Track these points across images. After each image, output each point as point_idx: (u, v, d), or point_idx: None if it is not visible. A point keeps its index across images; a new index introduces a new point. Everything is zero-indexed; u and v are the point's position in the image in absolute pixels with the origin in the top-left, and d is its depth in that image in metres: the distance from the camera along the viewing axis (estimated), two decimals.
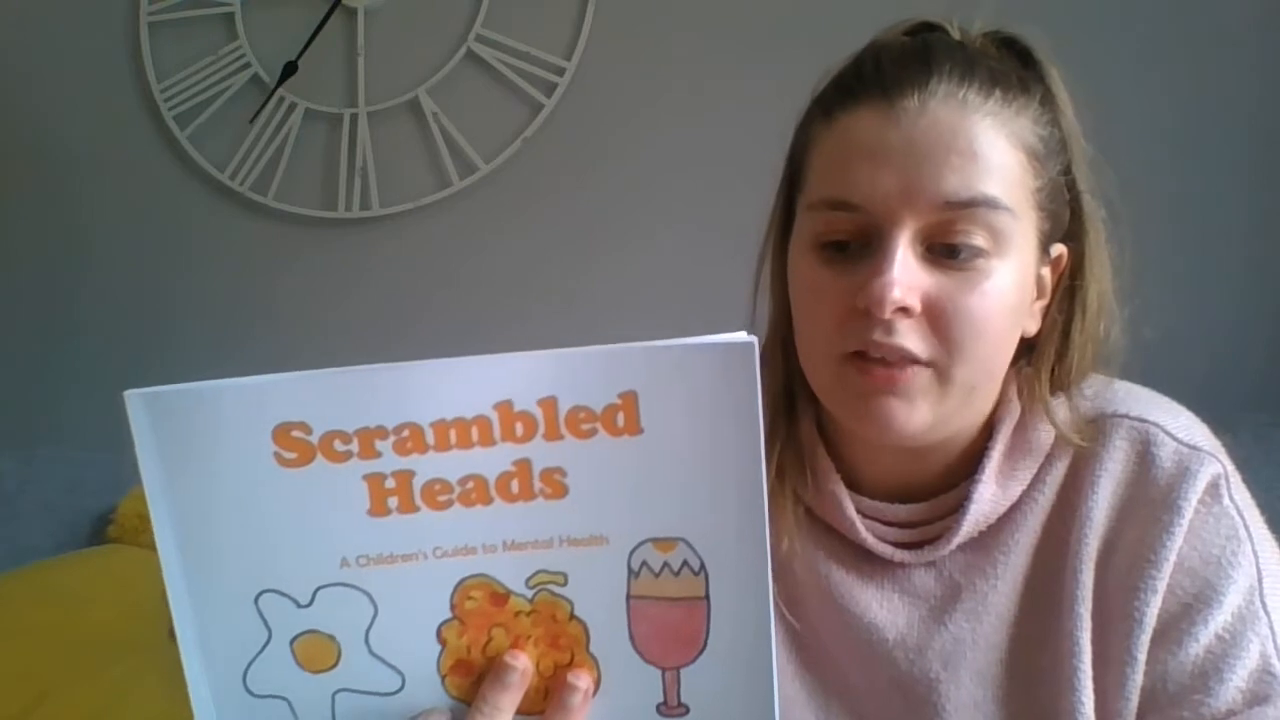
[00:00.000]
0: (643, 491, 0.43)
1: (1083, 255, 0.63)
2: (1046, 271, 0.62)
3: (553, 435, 0.42)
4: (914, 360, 0.57)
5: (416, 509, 0.43)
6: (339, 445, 0.42)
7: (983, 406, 0.63)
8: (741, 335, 0.41)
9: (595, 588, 0.44)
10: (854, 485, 0.67)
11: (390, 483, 0.42)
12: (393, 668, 0.45)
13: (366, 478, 0.42)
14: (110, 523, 1.29)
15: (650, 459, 0.42)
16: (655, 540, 0.44)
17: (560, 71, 1.55)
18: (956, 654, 0.64)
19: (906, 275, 0.56)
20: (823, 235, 0.59)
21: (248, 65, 1.62)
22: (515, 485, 0.43)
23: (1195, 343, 1.32)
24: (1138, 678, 0.61)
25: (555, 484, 0.43)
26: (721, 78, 1.52)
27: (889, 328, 0.56)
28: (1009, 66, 0.61)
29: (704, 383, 0.41)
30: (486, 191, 1.59)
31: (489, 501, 0.43)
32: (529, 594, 0.44)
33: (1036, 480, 0.65)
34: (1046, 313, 0.63)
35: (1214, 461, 0.63)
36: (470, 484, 0.43)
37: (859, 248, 0.58)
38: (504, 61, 1.56)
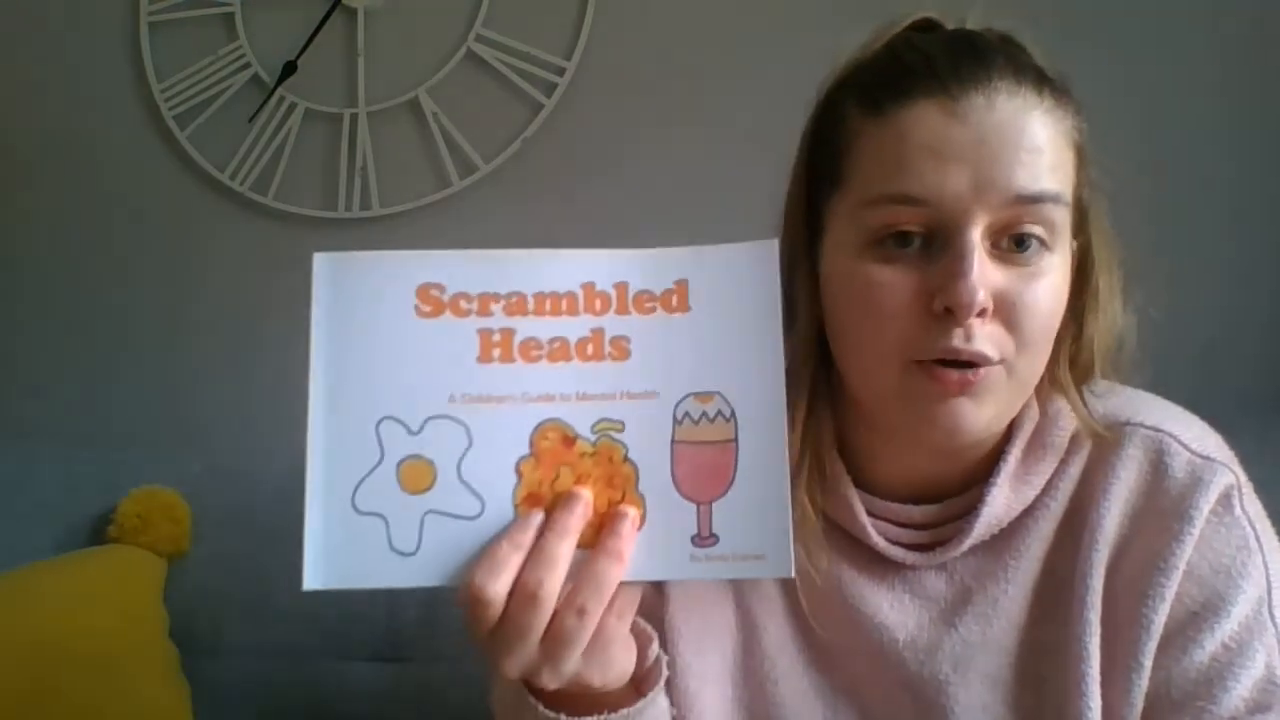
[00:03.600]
0: (688, 356, 0.54)
1: (1090, 248, 0.63)
2: None
3: (622, 310, 0.55)
4: (988, 361, 0.57)
5: (513, 360, 0.54)
6: (463, 304, 0.54)
7: (1022, 404, 0.63)
8: (765, 241, 0.55)
9: (646, 434, 0.54)
10: (865, 487, 0.66)
11: (496, 337, 0.54)
12: (476, 494, 0.53)
13: (479, 331, 0.54)
14: (110, 523, 1.29)
15: (695, 330, 0.54)
16: (696, 394, 0.54)
17: (560, 71, 1.55)
18: (966, 656, 0.64)
19: (984, 273, 0.56)
20: (884, 229, 0.58)
21: (248, 65, 1.62)
22: (590, 348, 0.54)
23: (1195, 343, 1.32)
24: (1144, 684, 0.61)
25: (621, 349, 0.54)
26: (722, 78, 1.52)
27: (969, 332, 0.56)
28: (1039, 63, 0.61)
29: (737, 273, 0.54)
30: (486, 191, 1.59)
31: (569, 359, 0.54)
32: (593, 438, 0.54)
33: (1049, 485, 0.65)
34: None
35: (1226, 472, 0.63)
36: (556, 344, 0.54)
37: (923, 244, 0.58)
38: (504, 61, 1.56)
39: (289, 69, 1.59)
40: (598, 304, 0.55)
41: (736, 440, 0.54)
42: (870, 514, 0.66)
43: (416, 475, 0.53)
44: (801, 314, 0.65)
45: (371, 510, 0.53)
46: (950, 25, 0.64)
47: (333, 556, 0.54)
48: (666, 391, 0.54)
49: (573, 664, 0.52)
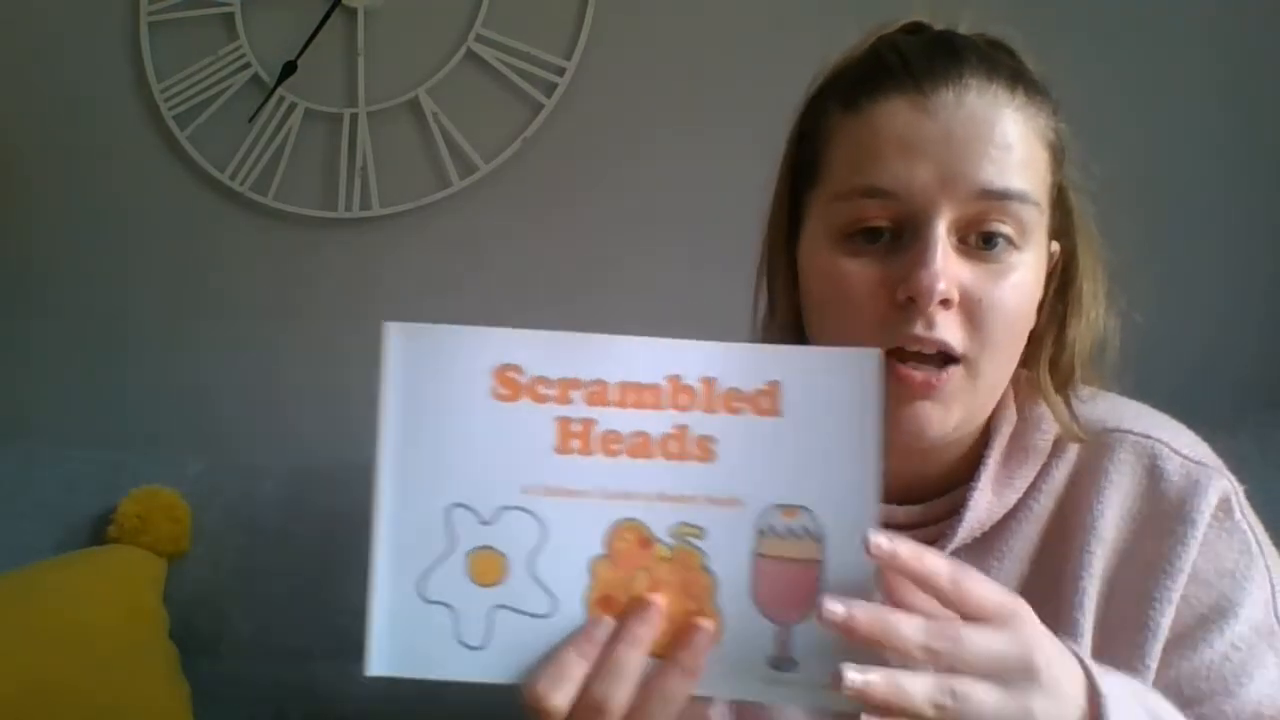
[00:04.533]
0: (777, 464, 0.51)
1: (1074, 251, 0.64)
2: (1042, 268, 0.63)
3: (709, 408, 0.52)
4: (950, 358, 0.57)
5: (592, 452, 0.52)
6: (542, 389, 0.52)
7: (993, 404, 0.63)
8: (869, 349, 0.52)
9: (727, 543, 0.51)
10: None
11: (576, 426, 0.52)
12: (548, 591, 0.52)
13: (557, 419, 0.52)
14: (110, 523, 1.29)
15: (786, 438, 0.51)
16: (782, 506, 0.51)
17: (560, 71, 1.55)
18: None
19: (948, 265, 0.56)
20: (853, 224, 0.59)
21: (248, 65, 1.62)
22: (673, 445, 0.52)
23: (1194, 343, 1.32)
24: (1148, 685, 0.61)
25: (706, 449, 0.52)
26: (722, 77, 1.52)
27: (930, 320, 0.56)
28: (1021, 65, 0.62)
29: (836, 381, 0.51)
30: (486, 191, 1.59)
31: (650, 456, 0.52)
32: (671, 542, 0.51)
33: (1033, 488, 0.65)
34: (1041, 308, 0.63)
35: (1222, 478, 0.64)
36: (638, 438, 0.52)
37: (892, 238, 0.58)
38: (504, 61, 1.56)
39: (289, 69, 1.59)
40: (683, 399, 0.52)
41: (823, 562, 0.51)
42: None
43: (487, 567, 0.52)
44: (780, 306, 0.67)
45: (439, 599, 0.52)
46: (939, 28, 0.65)
47: (397, 643, 0.53)
48: (751, 500, 0.51)
49: None
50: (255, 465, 1.39)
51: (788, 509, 0.51)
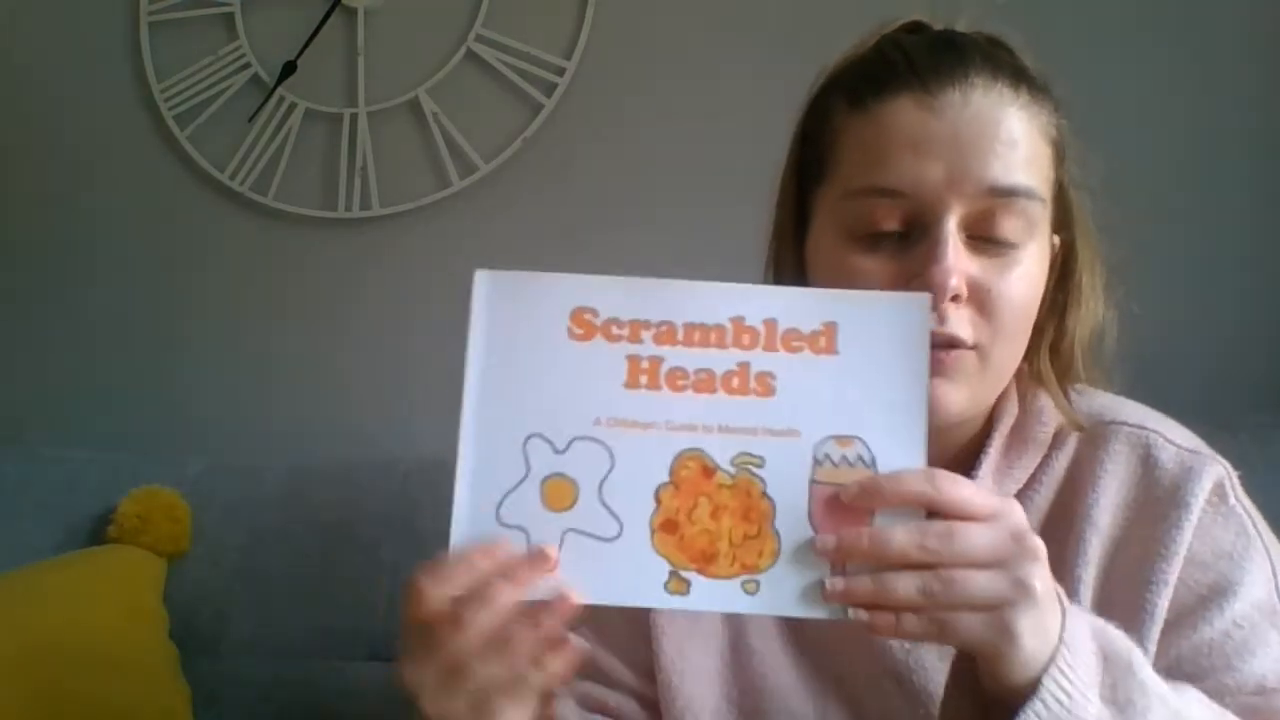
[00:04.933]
0: (832, 398, 0.54)
1: (1073, 244, 0.66)
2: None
3: (770, 347, 0.55)
4: (961, 344, 0.59)
5: (660, 388, 0.55)
6: (615, 329, 0.56)
7: (999, 391, 0.65)
8: (919, 293, 0.55)
9: (785, 471, 0.54)
10: None
11: (645, 364, 0.55)
12: (615, 516, 0.54)
13: (628, 357, 0.56)
14: (110, 523, 1.29)
15: (841, 374, 0.54)
16: (837, 437, 0.54)
17: (560, 71, 1.55)
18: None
19: (958, 261, 0.58)
20: (863, 224, 0.61)
21: (248, 65, 1.62)
22: (736, 381, 0.55)
23: (1194, 344, 1.32)
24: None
25: (766, 385, 0.55)
26: (722, 77, 1.52)
27: (943, 315, 0.58)
28: (1022, 63, 0.63)
29: (887, 321, 0.54)
30: (486, 191, 1.59)
31: (714, 391, 0.55)
32: (732, 470, 0.54)
33: (1034, 479, 0.67)
34: (1042, 300, 0.65)
35: (1216, 464, 0.65)
36: (703, 375, 0.55)
37: (902, 235, 0.60)
38: (504, 61, 1.56)
39: (289, 69, 1.59)
40: (745, 339, 0.55)
41: None
42: None
43: (559, 493, 0.55)
44: None
45: (515, 524, 0.55)
46: (939, 27, 0.66)
47: None
48: (808, 431, 0.54)
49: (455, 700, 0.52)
50: (255, 465, 1.39)
51: (842, 439, 0.54)
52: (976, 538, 0.49)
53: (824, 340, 0.55)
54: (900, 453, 0.53)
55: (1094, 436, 0.66)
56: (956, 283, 0.58)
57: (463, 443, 0.56)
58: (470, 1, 1.57)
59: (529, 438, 0.55)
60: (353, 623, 1.26)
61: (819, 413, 0.54)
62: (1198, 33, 1.38)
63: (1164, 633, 0.62)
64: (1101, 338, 0.67)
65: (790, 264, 0.68)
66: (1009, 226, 0.59)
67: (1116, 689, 0.52)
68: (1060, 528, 0.65)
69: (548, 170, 1.57)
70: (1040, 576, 0.50)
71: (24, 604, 1.17)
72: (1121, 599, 0.63)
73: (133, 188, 1.67)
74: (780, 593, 0.53)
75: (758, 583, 0.53)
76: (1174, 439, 0.66)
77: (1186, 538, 0.63)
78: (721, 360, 0.55)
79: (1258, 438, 1.07)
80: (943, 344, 0.59)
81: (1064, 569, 0.64)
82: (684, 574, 0.54)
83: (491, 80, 1.57)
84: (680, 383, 0.55)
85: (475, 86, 1.58)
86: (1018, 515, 0.51)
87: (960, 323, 0.59)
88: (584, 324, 0.56)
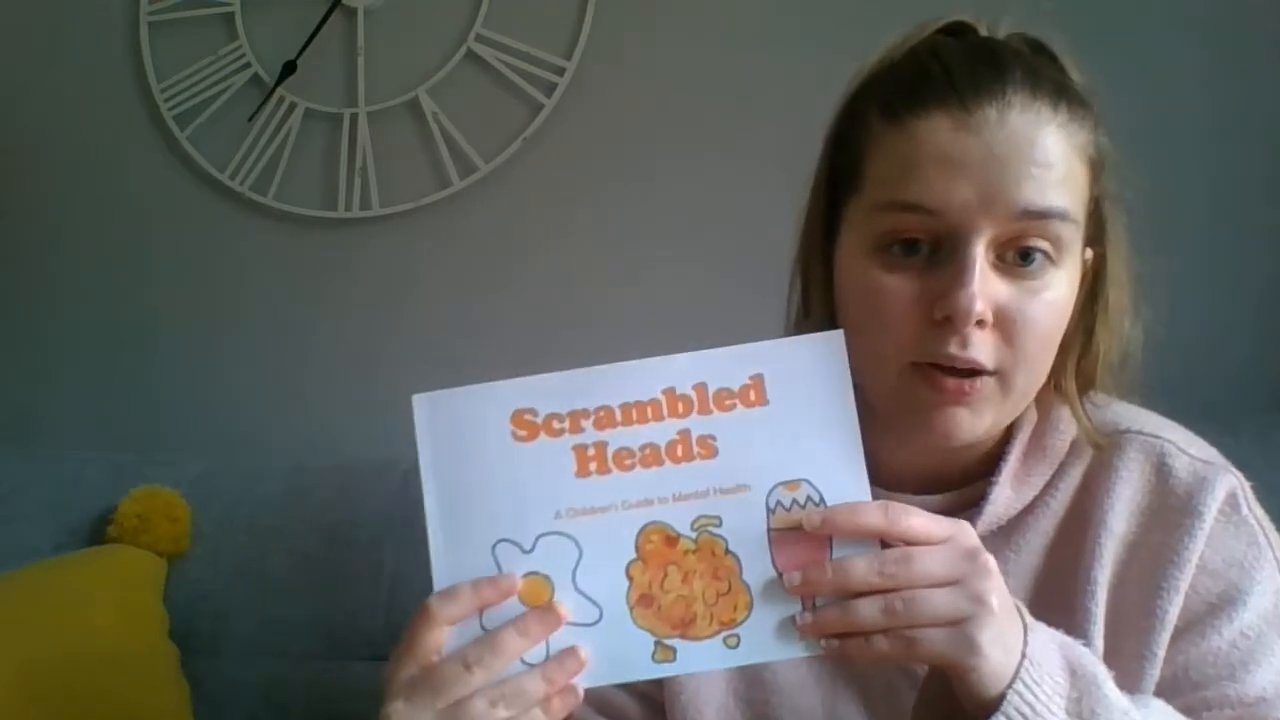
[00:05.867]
0: (772, 447, 0.57)
1: (1104, 259, 0.64)
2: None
3: (704, 411, 0.57)
4: (983, 371, 0.58)
5: (610, 471, 0.57)
6: (556, 424, 0.57)
7: (1020, 412, 0.64)
8: (833, 331, 0.57)
9: (743, 526, 0.56)
10: (870, 477, 0.67)
11: (591, 451, 0.57)
12: (593, 601, 0.56)
13: (574, 448, 0.57)
14: (110, 523, 1.29)
15: (776, 422, 0.57)
16: (784, 483, 0.57)
17: (560, 71, 1.55)
18: None
19: (985, 285, 0.57)
20: (891, 236, 0.60)
21: (247, 65, 1.62)
22: (680, 450, 0.57)
23: (1194, 344, 1.32)
24: (1154, 674, 0.63)
25: (708, 447, 0.57)
26: (722, 77, 1.52)
27: (965, 340, 0.57)
28: (1065, 76, 0.62)
29: (807, 364, 0.57)
30: (486, 191, 1.59)
31: (661, 464, 0.57)
32: (694, 535, 0.56)
33: (1050, 486, 0.67)
34: (1071, 314, 0.64)
35: (1229, 474, 0.65)
36: (647, 450, 0.57)
37: (929, 253, 0.59)
38: (504, 61, 1.56)
39: (289, 69, 1.59)
40: (680, 407, 0.57)
41: None
42: None
43: (535, 591, 0.56)
44: (815, 309, 0.68)
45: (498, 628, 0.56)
46: (983, 28, 0.64)
47: None
48: (756, 483, 0.57)
49: None
50: (255, 465, 1.39)
51: (789, 484, 0.57)
52: (931, 560, 0.52)
53: (753, 393, 0.57)
54: (845, 484, 0.56)
55: (1110, 444, 0.66)
56: (981, 307, 0.57)
57: (434, 560, 0.57)
58: (470, 1, 1.57)
59: (496, 544, 0.57)
60: (353, 623, 1.25)
61: (763, 463, 0.57)
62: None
63: (1172, 640, 0.63)
64: (1125, 358, 0.66)
65: (819, 277, 0.67)
66: (1039, 249, 0.58)
67: (1082, 703, 0.53)
68: (1076, 533, 0.66)
69: (548, 170, 1.57)
70: (996, 591, 0.52)
71: (24, 604, 1.17)
72: (1132, 605, 0.63)
73: (133, 188, 1.67)
74: (760, 640, 0.55)
75: (738, 636, 0.56)
76: (1188, 449, 0.66)
77: (1199, 546, 0.63)
78: (662, 432, 0.57)
79: (1258, 438, 1.07)
80: (965, 370, 0.58)
81: (1080, 574, 0.64)
82: (668, 642, 0.56)
83: (491, 80, 1.57)
84: (628, 462, 0.57)
85: (475, 86, 1.58)
86: (969, 536, 0.54)
87: (983, 347, 0.58)
88: (525, 425, 0.58)
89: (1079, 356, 0.65)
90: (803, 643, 0.55)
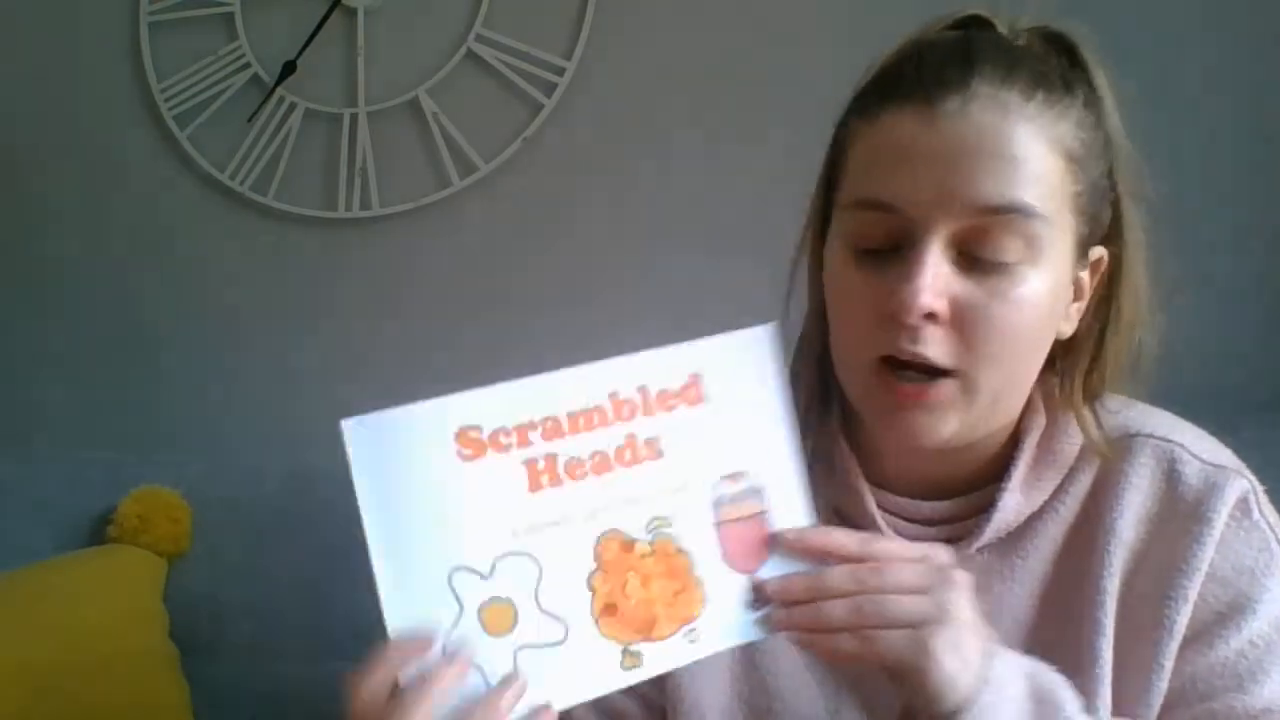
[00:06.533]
0: (713, 443, 0.58)
1: (1120, 260, 0.62)
2: (1085, 275, 0.62)
3: (648, 412, 0.57)
4: (939, 372, 0.57)
5: (562, 483, 0.56)
6: (503, 439, 0.55)
7: (1011, 411, 0.63)
8: (764, 325, 0.58)
9: (692, 522, 0.57)
10: (878, 481, 0.67)
11: (542, 464, 0.56)
12: (558, 619, 0.55)
13: (525, 462, 0.55)
14: (110, 523, 1.29)
15: (715, 417, 0.58)
16: (726, 476, 0.58)
17: (560, 71, 1.55)
18: None
19: (937, 281, 0.56)
20: (858, 236, 0.59)
21: (247, 65, 1.62)
22: (628, 454, 0.57)
23: (1194, 343, 1.32)
24: (1162, 685, 0.62)
25: (654, 448, 0.57)
26: (722, 77, 1.52)
27: (915, 335, 0.57)
28: (1052, 66, 0.60)
29: (741, 359, 0.58)
30: (486, 191, 1.59)
31: (611, 469, 0.56)
32: (649, 537, 0.57)
33: (1059, 491, 0.65)
34: (1084, 316, 0.63)
35: (1241, 478, 0.64)
36: (597, 457, 0.56)
37: (893, 250, 0.58)
38: (504, 61, 1.56)
39: (289, 69, 1.59)
40: (625, 411, 0.57)
41: (767, 510, 0.58)
42: (881, 508, 0.66)
43: (499, 617, 0.55)
44: (812, 304, 0.68)
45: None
46: (1002, 23, 0.63)
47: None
48: (701, 479, 0.58)
49: None
50: (255, 465, 1.39)
51: (731, 477, 0.58)
52: (902, 570, 0.54)
53: (693, 392, 0.58)
54: (780, 472, 0.58)
55: (1120, 449, 0.65)
56: (929, 302, 0.55)
57: (385, 597, 0.54)
58: (470, 1, 1.57)
59: (453, 572, 0.54)
60: (352, 623, 1.25)
61: (705, 459, 0.58)
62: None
63: (1180, 649, 0.62)
64: (1138, 361, 0.64)
65: (815, 266, 0.66)
66: (1004, 246, 0.56)
67: None
68: (1085, 541, 0.65)
69: (548, 170, 1.57)
70: (962, 604, 0.53)
71: (24, 604, 1.17)
72: (1141, 615, 0.63)
73: (133, 188, 1.67)
74: (718, 631, 0.57)
75: (696, 629, 0.56)
76: (1199, 453, 0.64)
77: (1208, 554, 0.62)
78: (610, 438, 0.57)
79: (1258, 438, 1.07)
80: (919, 368, 0.57)
81: (1090, 581, 0.63)
82: (633, 648, 0.56)
83: (491, 80, 1.57)
84: (579, 471, 0.56)
85: (475, 86, 1.58)
86: (942, 556, 0.56)
87: (935, 344, 0.57)
88: (471, 442, 0.55)
89: (1089, 363, 0.63)
90: (757, 626, 0.56)
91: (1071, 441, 0.65)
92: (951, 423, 0.59)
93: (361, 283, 1.63)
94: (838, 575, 0.54)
